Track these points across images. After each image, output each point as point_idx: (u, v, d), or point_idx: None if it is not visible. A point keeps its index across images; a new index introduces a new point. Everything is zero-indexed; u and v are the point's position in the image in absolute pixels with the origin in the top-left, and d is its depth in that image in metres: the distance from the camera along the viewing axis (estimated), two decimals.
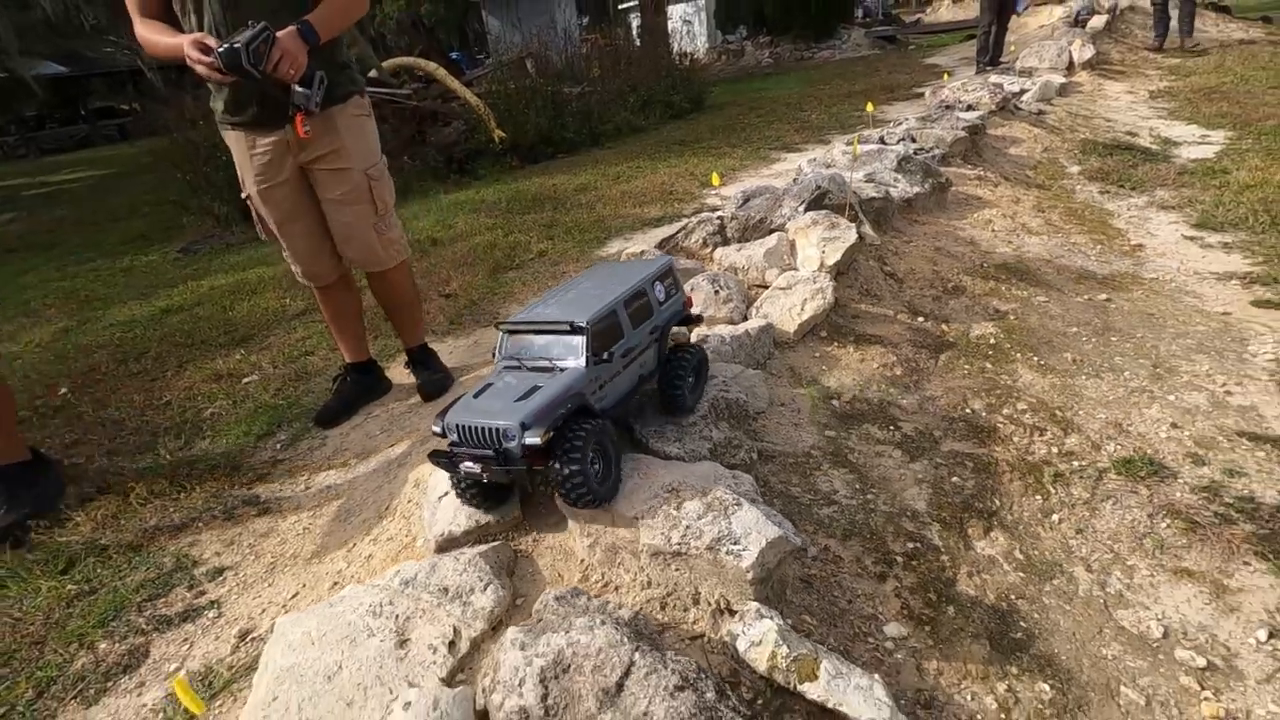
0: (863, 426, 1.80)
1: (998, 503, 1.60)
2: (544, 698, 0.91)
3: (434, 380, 2.62)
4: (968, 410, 1.92)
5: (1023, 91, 6.42)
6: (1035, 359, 2.22)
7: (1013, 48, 9.60)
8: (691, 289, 2.14)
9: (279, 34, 1.81)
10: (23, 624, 1.79)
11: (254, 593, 1.79)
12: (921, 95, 7.40)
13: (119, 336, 3.95)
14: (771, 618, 1.08)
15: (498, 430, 1.25)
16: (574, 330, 1.36)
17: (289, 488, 2.27)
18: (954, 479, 1.65)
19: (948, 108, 5.42)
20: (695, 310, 2.09)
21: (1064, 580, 1.43)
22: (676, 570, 1.19)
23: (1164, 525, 1.54)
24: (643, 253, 2.39)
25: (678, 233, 2.90)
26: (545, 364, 1.39)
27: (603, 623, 1.00)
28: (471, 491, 1.44)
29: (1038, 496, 1.63)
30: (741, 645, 1.07)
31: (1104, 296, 2.69)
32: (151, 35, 1.95)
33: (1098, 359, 2.26)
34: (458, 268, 4.09)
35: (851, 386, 1.96)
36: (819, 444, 1.72)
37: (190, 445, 2.64)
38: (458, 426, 1.31)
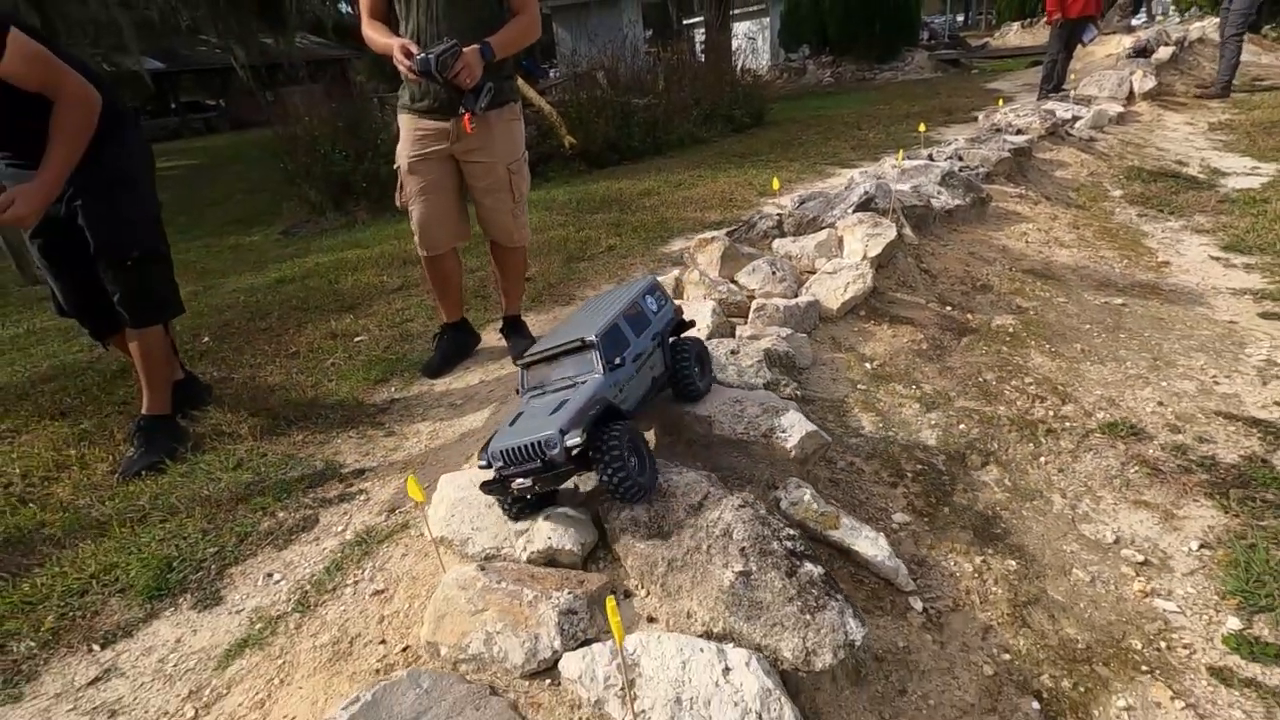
0: (890, 384, 2.19)
1: (995, 446, 1.97)
2: (649, 508, 1.33)
3: (524, 345, 3.09)
4: (981, 379, 2.28)
5: (1075, 118, 6.65)
6: (1047, 346, 2.57)
7: (1073, 75, 9.74)
8: (752, 270, 2.56)
9: (465, 49, 2.30)
10: (213, 499, 2.29)
11: (393, 486, 2.25)
12: (978, 119, 7.67)
13: (243, 300, 4.53)
14: (806, 488, 1.49)
15: (539, 442, 1.33)
16: (585, 345, 1.47)
17: (408, 418, 2.75)
18: (961, 426, 2.02)
19: (997, 130, 5.71)
20: (754, 288, 2.52)
21: (1041, 502, 1.79)
22: (736, 456, 1.61)
23: (1132, 470, 1.89)
24: (689, 247, 2.83)
25: (741, 226, 3.32)
26: (567, 383, 1.49)
27: (688, 470, 1.42)
28: (526, 510, 1.48)
29: (1030, 444, 2.00)
30: (783, 505, 1.48)
31: (1120, 301, 3.01)
32: (373, 34, 2.47)
33: (1104, 351, 2.59)
34: (534, 257, 4.55)
35: (883, 355, 2.34)
36: (852, 395, 2.11)
37: (318, 386, 3.15)
38: (502, 451, 1.38)
